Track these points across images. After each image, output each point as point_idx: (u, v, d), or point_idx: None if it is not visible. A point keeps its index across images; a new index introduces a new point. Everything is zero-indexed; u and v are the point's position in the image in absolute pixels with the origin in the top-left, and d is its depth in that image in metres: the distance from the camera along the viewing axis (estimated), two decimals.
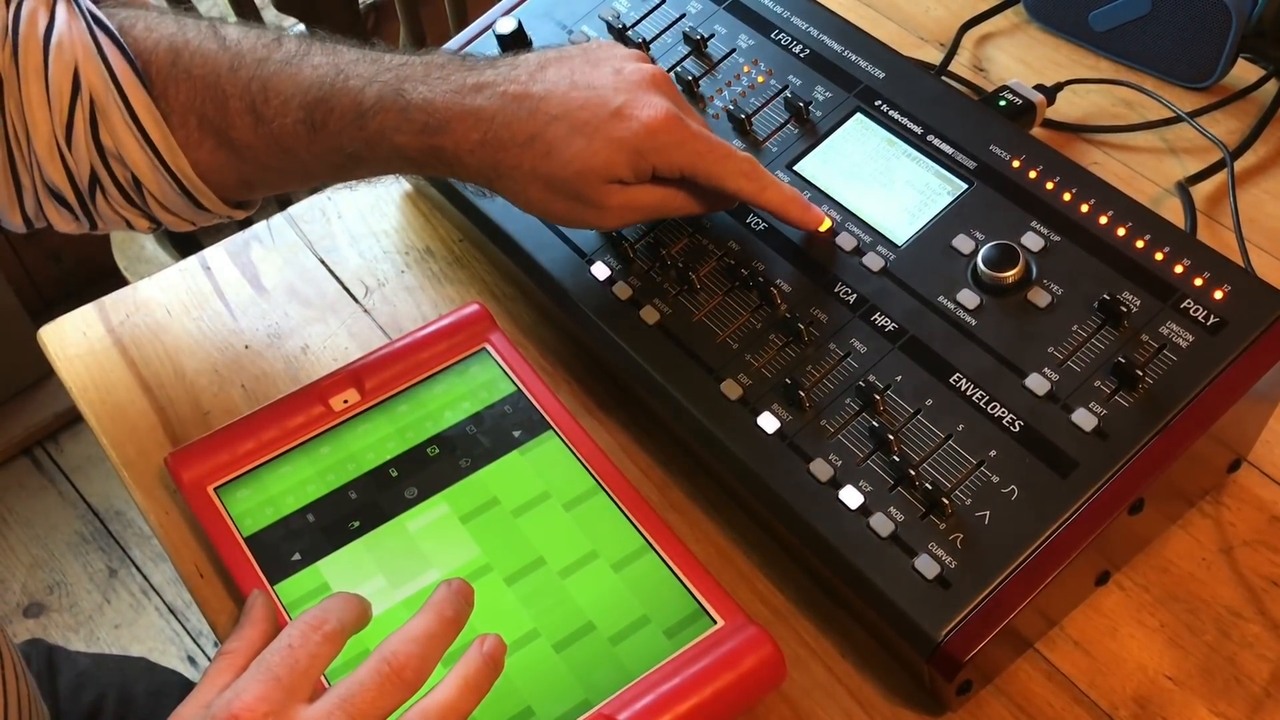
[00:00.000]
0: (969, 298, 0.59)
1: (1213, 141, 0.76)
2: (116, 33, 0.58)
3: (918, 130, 0.65)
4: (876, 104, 0.66)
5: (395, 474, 0.63)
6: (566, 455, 0.63)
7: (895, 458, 0.55)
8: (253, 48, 0.59)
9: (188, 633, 1.53)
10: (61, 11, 0.58)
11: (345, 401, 0.65)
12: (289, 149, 0.58)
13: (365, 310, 0.74)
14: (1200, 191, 0.75)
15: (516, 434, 0.64)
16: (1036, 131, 0.78)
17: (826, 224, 0.62)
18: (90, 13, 0.58)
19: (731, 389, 0.60)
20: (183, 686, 0.83)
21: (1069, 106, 0.81)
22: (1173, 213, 0.72)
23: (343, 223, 0.78)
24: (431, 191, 0.74)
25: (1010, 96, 0.77)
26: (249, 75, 0.58)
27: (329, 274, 0.76)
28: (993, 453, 0.55)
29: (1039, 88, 0.78)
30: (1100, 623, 0.58)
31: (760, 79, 0.69)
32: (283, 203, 1.23)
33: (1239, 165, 0.76)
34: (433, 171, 0.60)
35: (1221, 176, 0.75)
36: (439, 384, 0.66)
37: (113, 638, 1.52)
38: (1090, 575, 0.57)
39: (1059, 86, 0.80)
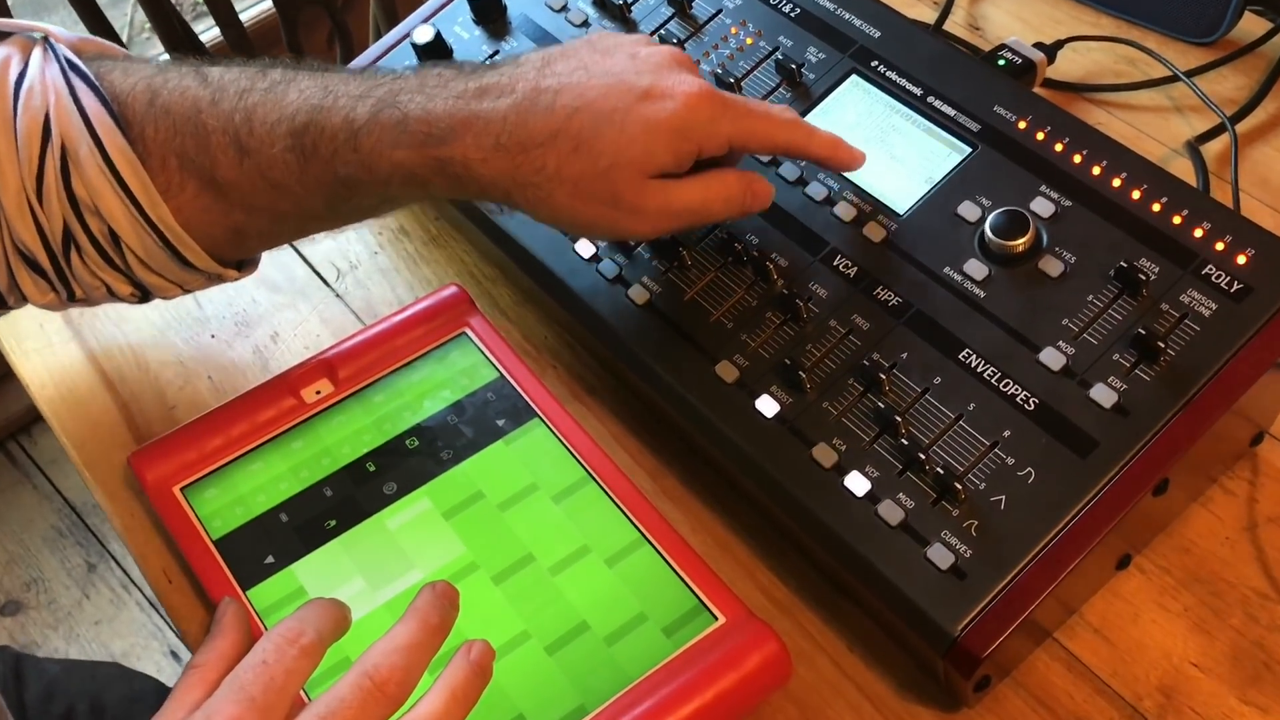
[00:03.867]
0: (977, 268, 0.56)
1: (1213, 110, 0.72)
2: (93, 77, 0.53)
3: (917, 92, 0.61)
4: (873, 65, 0.63)
5: (373, 468, 0.59)
6: (554, 444, 0.59)
7: (903, 440, 0.52)
8: (235, 79, 0.54)
9: (170, 627, 1.49)
10: (36, 58, 0.54)
11: (318, 393, 0.62)
12: (279, 183, 0.53)
13: (337, 294, 0.70)
14: (1210, 151, 0.72)
15: (500, 423, 0.60)
16: (1037, 92, 0.74)
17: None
18: (66, 58, 0.54)
19: (727, 371, 0.56)
20: (158, 693, 0.80)
21: (1069, 65, 0.77)
22: (1182, 174, 0.68)
23: None
24: None
25: (1009, 55, 0.74)
26: (231, 107, 0.53)
27: (298, 257, 0.72)
28: (1007, 433, 0.52)
29: (1039, 46, 0.75)
30: (1121, 608, 0.55)
31: (749, 40, 0.65)
32: None
33: (1246, 124, 0.73)
34: (441, 191, 0.54)
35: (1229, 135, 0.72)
36: (417, 371, 0.63)
37: (93, 634, 1.49)
38: (1111, 560, 0.54)
39: (1059, 44, 0.76)
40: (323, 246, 0.72)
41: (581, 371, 0.65)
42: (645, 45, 0.55)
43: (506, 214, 0.62)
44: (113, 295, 0.57)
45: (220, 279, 0.58)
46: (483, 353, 0.63)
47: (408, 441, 0.60)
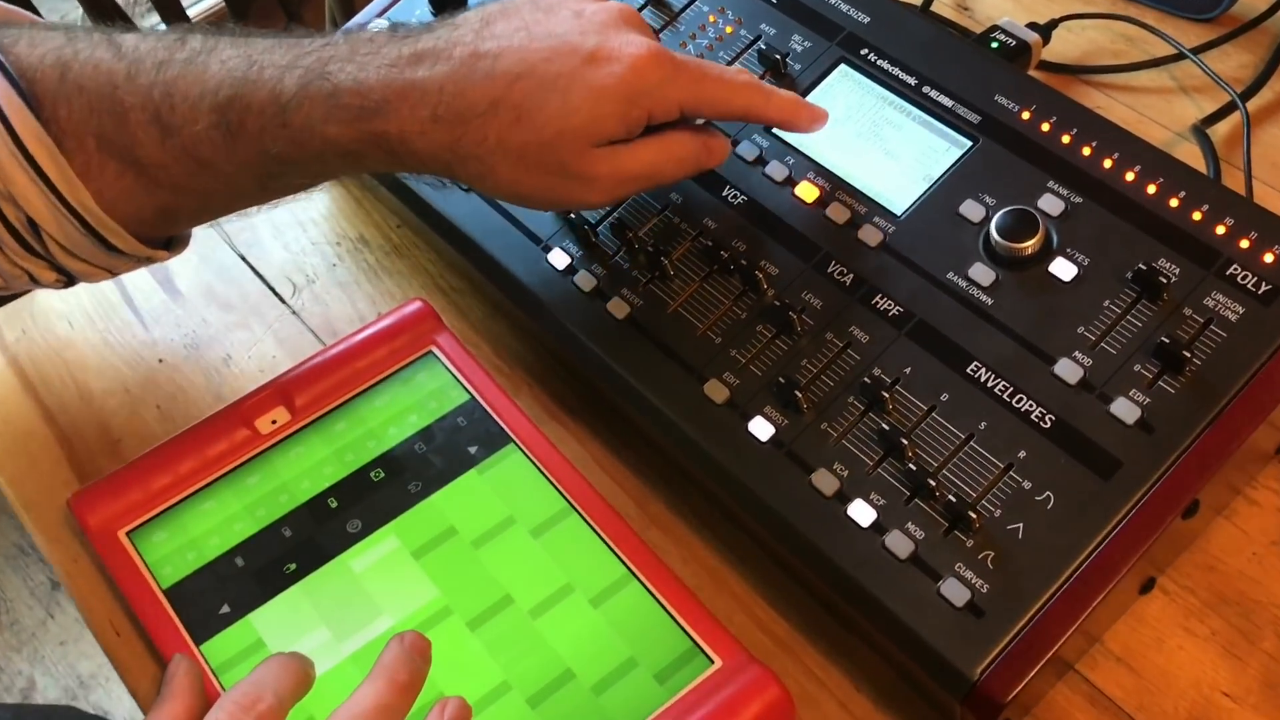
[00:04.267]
0: (983, 273, 0.51)
1: (1223, 88, 0.68)
2: None
3: (911, 81, 0.57)
4: (863, 53, 0.58)
5: (335, 504, 0.55)
6: (531, 472, 0.55)
7: (910, 464, 0.48)
8: (152, 50, 0.49)
9: None
10: None
11: (273, 422, 0.57)
12: (206, 162, 0.49)
13: (293, 312, 0.65)
14: (1217, 134, 0.68)
15: (473, 450, 0.56)
16: (1033, 75, 0.70)
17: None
18: None
19: (716, 391, 0.52)
20: None
21: (1064, 46, 0.73)
22: (1190, 160, 0.64)
23: (264, 213, 0.70)
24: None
25: (1002, 38, 0.70)
26: (149, 82, 0.49)
27: (251, 271, 0.67)
28: (1022, 454, 0.48)
29: (1032, 26, 0.71)
30: (1145, 634, 0.51)
31: (729, 29, 0.61)
32: None
33: (1254, 104, 0.69)
34: (378, 166, 0.51)
35: (1238, 116, 0.68)
36: (381, 396, 0.58)
37: (58, 655, 1.44)
38: (1135, 585, 0.50)
39: (1053, 24, 0.72)
40: (277, 259, 0.67)
41: (559, 389, 0.61)
42: (591, 1, 0.51)
43: (449, 188, 0.59)
44: (36, 283, 0.53)
45: (150, 261, 0.54)
46: (451, 373, 0.58)
47: (372, 474, 0.55)
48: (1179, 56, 0.71)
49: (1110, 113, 0.70)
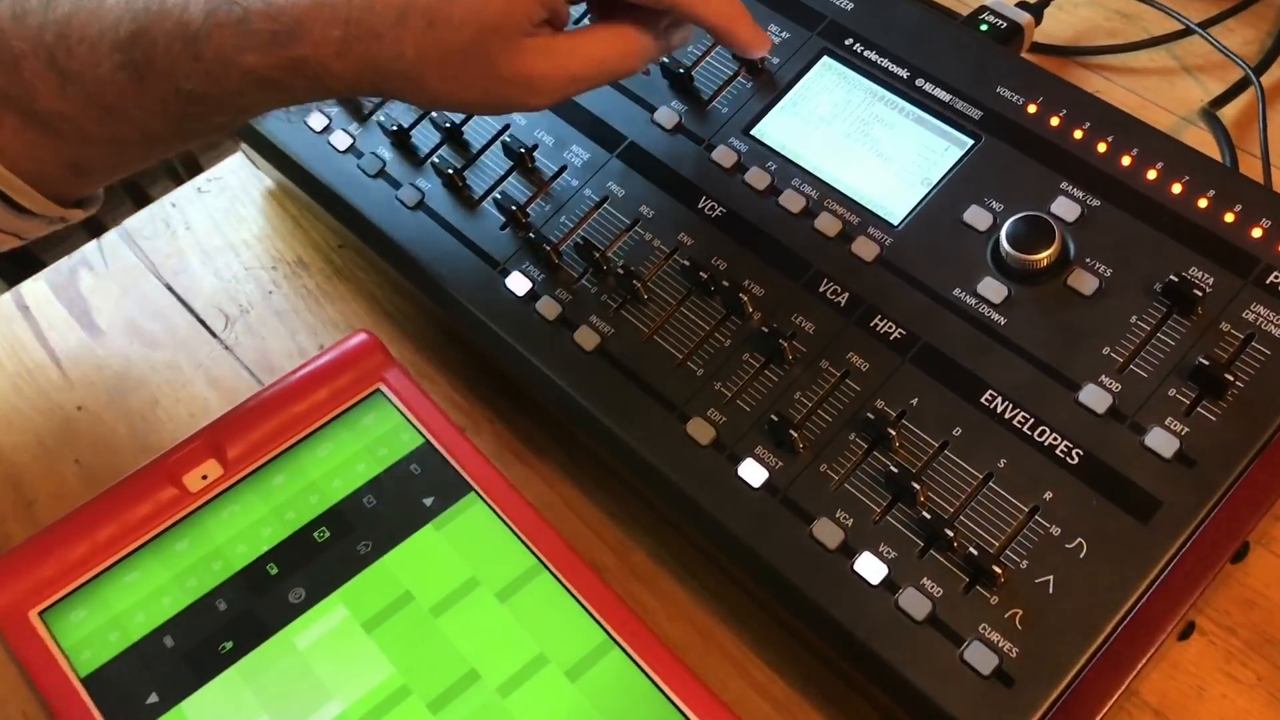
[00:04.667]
0: (994, 288, 0.46)
1: (1236, 62, 0.63)
2: None
3: (903, 74, 0.51)
4: (847, 43, 0.53)
5: (275, 571, 0.48)
6: (495, 525, 0.49)
7: (923, 511, 0.43)
8: None
9: None
10: None
11: (204, 478, 0.51)
12: (113, 108, 0.43)
13: (227, 347, 0.59)
14: (1227, 116, 0.63)
15: (428, 502, 0.50)
16: (1026, 58, 0.65)
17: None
18: None
19: (701, 430, 0.46)
20: None
21: (1057, 25, 0.68)
22: (1200, 146, 0.59)
23: (192, 235, 0.63)
24: (298, 190, 0.59)
25: (991, 19, 0.64)
26: (38, 23, 0.42)
27: (178, 303, 0.61)
28: (1048, 495, 0.42)
29: (1022, 5, 0.65)
30: (1183, 682, 0.46)
31: None
32: (138, 198, 1.07)
33: (1266, 80, 0.64)
34: (305, 95, 0.45)
35: (1250, 97, 0.63)
36: (324, 444, 0.52)
37: None
38: (1176, 633, 0.45)
39: (1045, 1, 0.67)
40: (207, 288, 0.61)
41: (524, 424, 0.55)
42: None
43: (386, 105, 0.54)
44: None
45: (63, 221, 0.48)
46: (402, 414, 0.52)
47: (316, 534, 0.49)
48: (1182, 33, 0.66)
49: (1109, 97, 0.64)
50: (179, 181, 0.70)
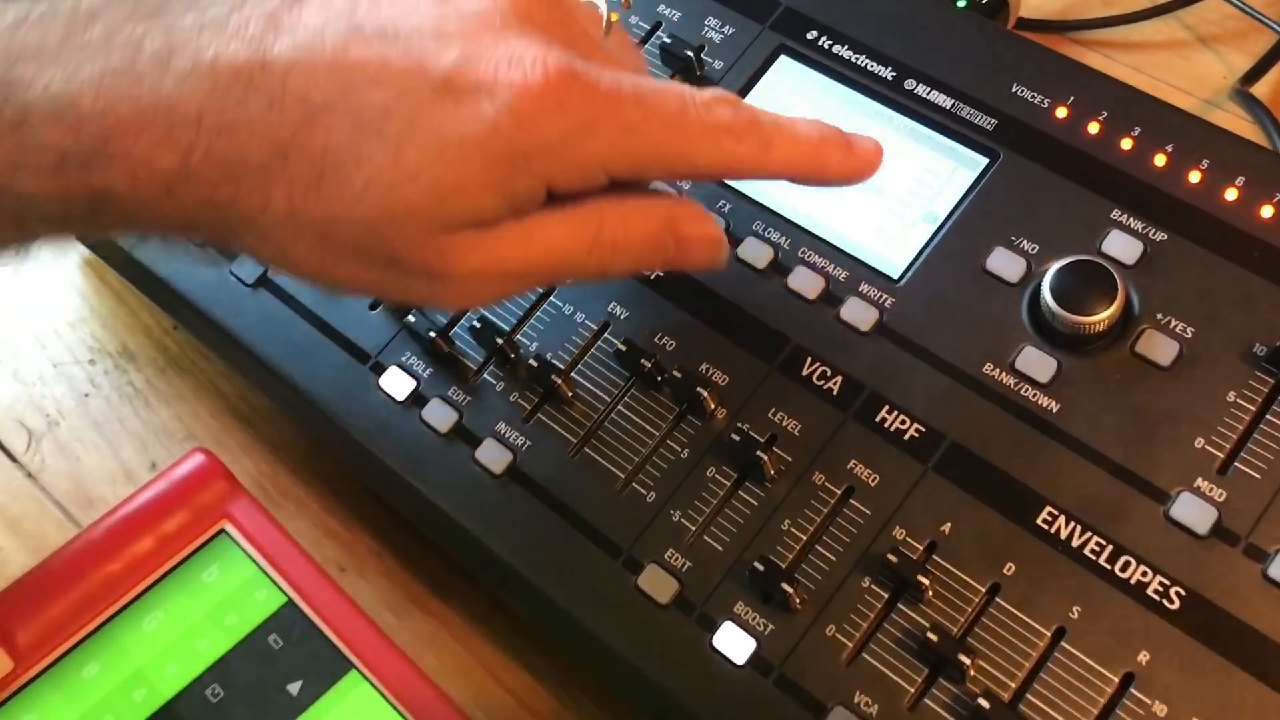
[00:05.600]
0: (1038, 362, 0.34)
1: (1260, 20, 0.52)
2: None
3: (887, 74, 0.39)
4: (809, 36, 0.40)
5: None
6: (385, 712, 0.36)
7: (974, 688, 0.31)
8: None
9: None
10: None
11: None
12: None
13: (29, 474, 0.45)
14: (1263, 94, 0.52)
15: (295, 689, 0.37)
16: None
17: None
18: None
19: (658, 583, 0.34)
20: None
21: None
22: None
23: None
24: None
25: None
26: None
27: None
28: (1144, 657, 0.31)
29: None
30: None
31: (613, 16, 0.42)
32: None
33: None
34: (102, 234, 0.35)
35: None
36: (151, 614, 0.39)
37: None
38: None
39: None
40: (5, 395, 0.47)
41: (423, 557, 0.42)
42: None
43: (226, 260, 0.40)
44: None
45: None
46: (255, 563, 0.39)
47: None
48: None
49: None
50: None
